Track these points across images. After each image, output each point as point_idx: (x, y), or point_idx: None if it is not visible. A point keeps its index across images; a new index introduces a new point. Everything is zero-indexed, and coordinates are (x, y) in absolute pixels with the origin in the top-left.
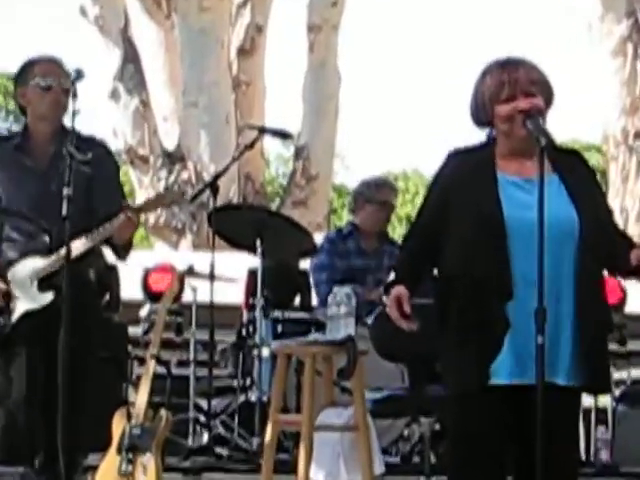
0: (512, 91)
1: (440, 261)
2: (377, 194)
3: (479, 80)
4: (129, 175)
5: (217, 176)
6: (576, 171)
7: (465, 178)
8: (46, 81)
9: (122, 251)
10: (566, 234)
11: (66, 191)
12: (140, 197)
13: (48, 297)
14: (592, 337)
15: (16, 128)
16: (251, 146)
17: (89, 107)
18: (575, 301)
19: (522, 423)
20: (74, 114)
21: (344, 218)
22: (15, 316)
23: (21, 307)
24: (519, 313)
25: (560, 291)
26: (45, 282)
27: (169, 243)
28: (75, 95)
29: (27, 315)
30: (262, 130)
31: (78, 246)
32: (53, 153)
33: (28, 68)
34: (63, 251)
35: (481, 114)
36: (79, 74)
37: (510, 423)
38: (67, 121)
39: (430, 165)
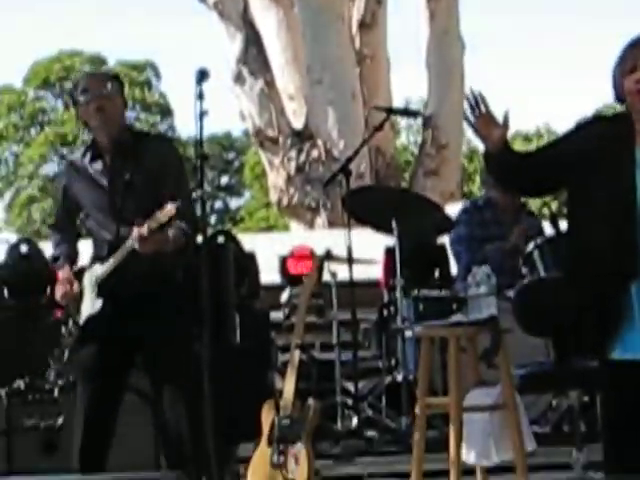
0: (633, 64)
1: (573, 231)
2: None
3: (617, 56)
4: (260, 157)
5: (349, 160)
6: None
7: (602, 152)
8: (86, 94)
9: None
10: None
11: (199, 192)
12: (271, 177)
13: (98, 304)
14: None
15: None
16: (380, 128)
17: (215, 93)
18: None
19: None
20: (202, 115)
21: (477, 182)
22: (81, 320)
23: (85, 311)
24: None
25: None
26: (101, 288)
27: (303, 222)
28: (201, 96)
29: (91, 319)
30: (390, 111)
31: (105, 267)
32: (111, 157)
33: (73, 88)
34: (112, 258)
35: (615, 90)
36: (203, 74)
37: None
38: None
39: (563, 122)
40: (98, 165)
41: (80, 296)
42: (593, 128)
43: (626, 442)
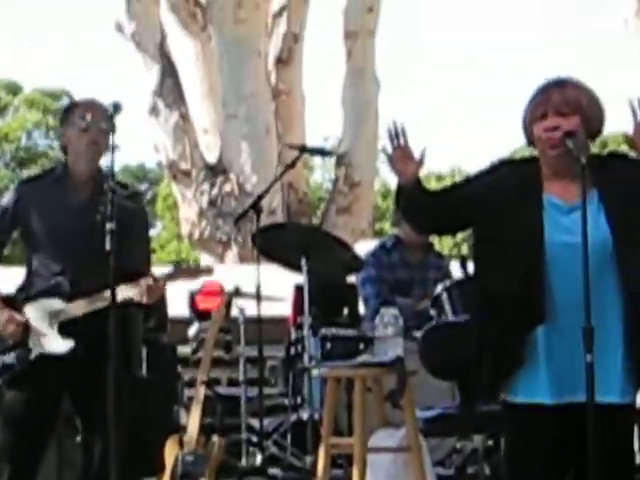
0: (544, 110)
1: (480, 274)
2: None
3: (527, 101)
4: (172, 189)
5: (260, 197)
6: (616, 181)
7: (511, 196)
8: (84, 122)
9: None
10: (603, 255)
11: (109, 226)
12: (183, 211)
13: (69, 344)
14: None
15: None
16: (292, 165)
17: (130, 124)
18: (623, 319)
19: (578, 442)
20: (113, 149)
21: (389, 221)
22: (33, 354)
23: (39, 347)
24: (557, 334)
25: (602, 311)
26: (66, 327)
27: (214, 255)
28: (114, 130)
29: (45, 356)
30: (303, 149)
31: (82, 305)
32: (90, 194)
33: (69, 109)
34: (83, 300)
35: (526, 134)
36: (117, 108)
37: (565, 442)
38: (105, 159)
39: (475, 164)
40: (72, 198)
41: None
42: (503, 171)
43: None
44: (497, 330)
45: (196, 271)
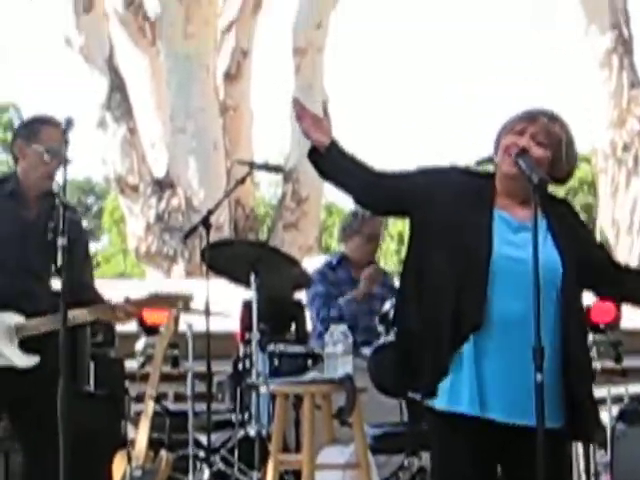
0: (524, 128)
1: (416, 264)
2: (364, 227)
3: (513, 115)
4: (119, 203)
5: (210, 212)
6: (564, 218)
7: (461, 200)
8: (49, 151)
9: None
10: (549, 279)
11: (61, 241)
12: (130, 225)
13: (34, 360)
14: (579, 383)
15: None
16: (242, 182)
17: (78, 137)
18: (562, 347)
19: (503, 461)
20: (66, 163)
21: (335, 236)
22: None
23: None
24: (490, 347)
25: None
26: (28, 343)
27: (161, 270)
28: (67, 144)
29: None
30: (252, 165)
31: (45, 322)
32: (42, 208)
33: (35, 127)
34: (46, 317)
35: (495, 145)
36: (69, 123)
37: (487, 458)
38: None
39: None
40: (26, 212)
41: None
42: (455, 175)
43: None
44: (431, 336)
45: (173, 298)
